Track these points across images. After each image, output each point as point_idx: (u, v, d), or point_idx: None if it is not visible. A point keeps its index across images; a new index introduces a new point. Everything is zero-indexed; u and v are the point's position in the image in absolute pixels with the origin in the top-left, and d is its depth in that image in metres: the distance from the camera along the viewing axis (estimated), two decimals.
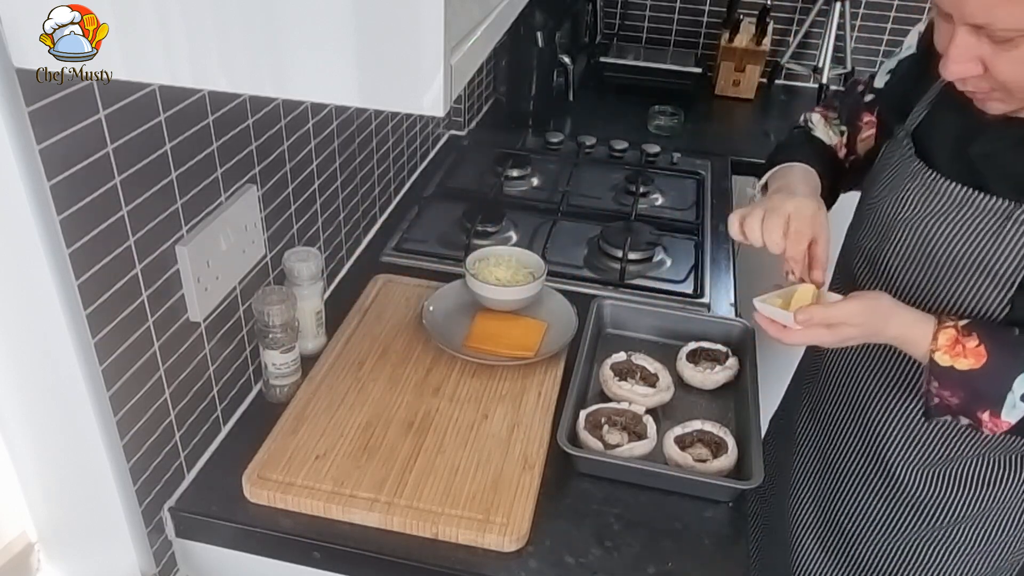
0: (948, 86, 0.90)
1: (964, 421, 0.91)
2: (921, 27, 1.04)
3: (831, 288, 1.14)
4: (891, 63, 1.10)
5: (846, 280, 1.11)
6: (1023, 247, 0.88)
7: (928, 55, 0.95)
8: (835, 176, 1.14)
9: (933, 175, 0.95)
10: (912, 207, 0.97)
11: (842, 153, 1.16)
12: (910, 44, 1.06)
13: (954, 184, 0.93)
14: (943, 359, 0.87)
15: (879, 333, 0.90)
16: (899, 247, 0.99)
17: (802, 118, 1.22)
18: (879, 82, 1.11)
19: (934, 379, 0.88)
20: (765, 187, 1.09)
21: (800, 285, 0.95)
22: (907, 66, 1.06)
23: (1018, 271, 0.89)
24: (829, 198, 1.09)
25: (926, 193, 0.95)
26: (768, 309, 0.93)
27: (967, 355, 0.86)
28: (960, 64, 0.80)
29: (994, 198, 0.90)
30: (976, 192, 0.91)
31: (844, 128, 1.16)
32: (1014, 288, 0.89)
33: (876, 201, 1.02)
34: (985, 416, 0.88)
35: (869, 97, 1.12)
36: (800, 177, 1.04)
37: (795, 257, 0.93)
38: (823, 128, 1.18)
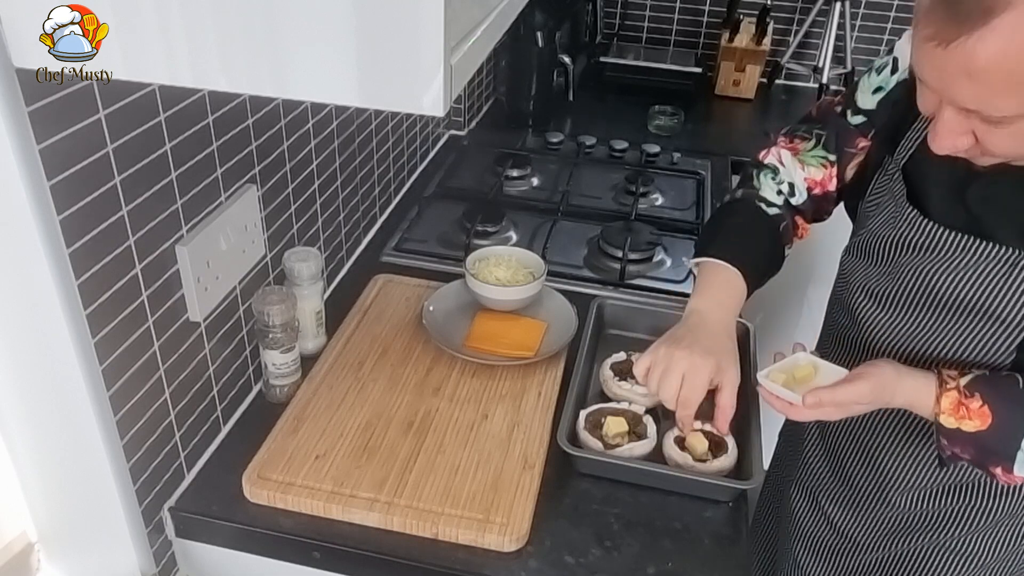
0: None
1: (979, 471, 0.91)
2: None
3: (829, 322, 1.13)
4: (877, 79, 1.01)
5: (847, 316, 1.07)
6: None
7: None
8: (777, 253, 1.08)
9: (929, 224, 0.91)
10: (913, 252, 0.93)
11: (832, 185, 1.08)
12: (904, 67, 0.97)
13: (953, 233, 0.89)
14: (948, 422, 0.86)
15: (887, 403, 0.90)
16: (903, 289, 0.96)
17: (762, 154, 1.11)
18: (866, 102, 1.03)
19: (943, 437, 0.88)
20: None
21: (800, 355, 0.96)
22: (902, 92, 0.96)
23: None
24: (768, 272, 1.07)
25: (925, 240, 0.92)
26: (774, 387, 0.92)
27: (972, 416, 0.85)
28: (950, 140, 0.77)
29: (997, 246, 0.86)
30: (977, 240, 0.88)
31: (832, 157, 1.07)
32: (1022, 334, 0.88)
33: (874, 239, 0.99)
34: (998, 471, 0.87)
35: (859, 119, 1.04)
36: (722, 294, 1.02)
37: (682, 419, 0.97)
38: (794, 166, 1.08)
